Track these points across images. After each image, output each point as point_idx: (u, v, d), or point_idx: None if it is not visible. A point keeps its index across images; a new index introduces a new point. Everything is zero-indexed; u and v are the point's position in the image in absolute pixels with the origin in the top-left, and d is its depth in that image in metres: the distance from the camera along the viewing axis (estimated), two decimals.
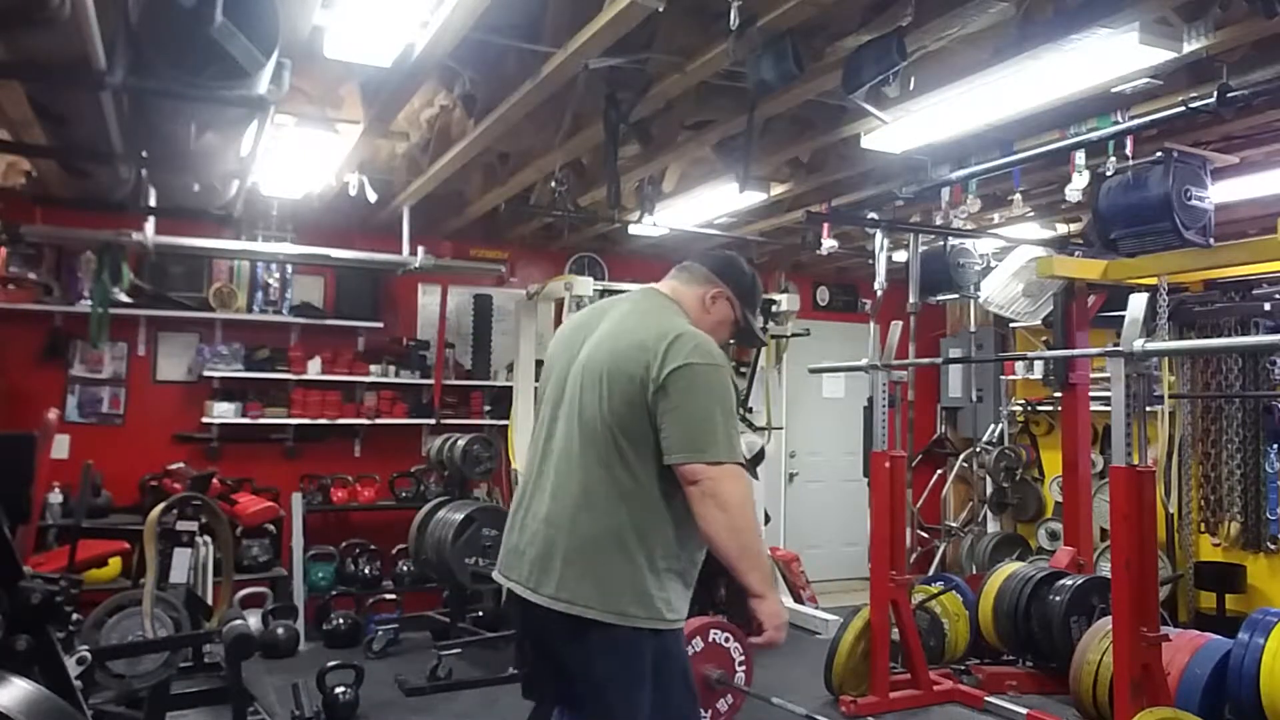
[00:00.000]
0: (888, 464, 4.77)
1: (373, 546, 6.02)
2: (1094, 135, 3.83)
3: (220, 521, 4.02)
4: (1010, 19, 3.05)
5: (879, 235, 5.17)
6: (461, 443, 5.50)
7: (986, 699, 4.58)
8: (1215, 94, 3.22)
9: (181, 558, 3.82)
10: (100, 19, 2.66)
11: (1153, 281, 4.79)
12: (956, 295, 5.50)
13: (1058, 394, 5.91)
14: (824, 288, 8.03)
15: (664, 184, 5.35)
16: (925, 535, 7.58)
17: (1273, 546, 5.78)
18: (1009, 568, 5.09)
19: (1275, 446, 5.79)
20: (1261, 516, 5.80)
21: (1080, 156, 4.01)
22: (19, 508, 2.12)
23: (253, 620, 3.58)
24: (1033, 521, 7.13)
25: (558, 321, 6.54)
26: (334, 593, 5.77)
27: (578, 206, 5.55)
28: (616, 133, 3.96)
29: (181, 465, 5.53)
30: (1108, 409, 3.98)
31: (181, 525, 3.88)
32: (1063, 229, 5.85)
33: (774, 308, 6.51)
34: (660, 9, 2.80)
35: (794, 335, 6.72)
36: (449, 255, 6.38)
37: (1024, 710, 4.37)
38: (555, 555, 2.11)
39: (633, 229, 5.91)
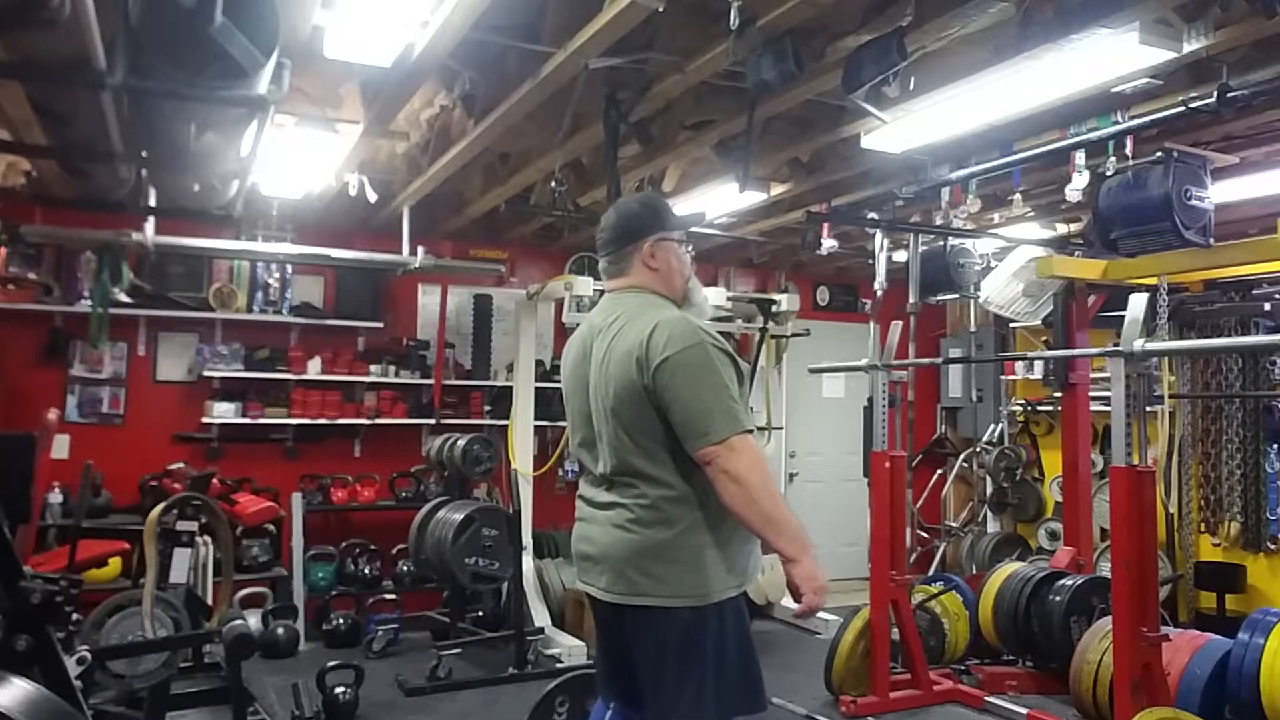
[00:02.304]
0: (888, 464, 4.76)
1: (373, 546, 6.02)
2: (1094, 135, 3.83)
3: (220, 521, 4.02)
4: (1010, 19, 3.05)
5: (879, 235, 5.17)
6: (461, 443, 5.49)
7: (986, 699, 4.58)
8: (1215, 94, 3.22)
9: (181, 558, 3.82)
10: (100, 19, 2.66)
11: (1153, 281, 4.79)
12: (956, 295, 5.50)
13: (1058, 394, 5.91)
14: (824, 288, 8.03)
15: (664, 184, 5.35)
16: (925, 535, 7.58)
17: (1273, 546, 5.78)
18: (1009, 568, 5.09)
19: (1275, 446, 5.79)
20: (1261, 516, 5.80)
21: (1080, 156, 4.00)
22: (19, 508, 2.12)
23: (253, 620, 3.58)
24: (1033, 521, 7.13)
25: (558, 321, 6.55)
26: (334, 593, 5.76)
27: (578, 206, 5.55)
28: (616, 133, 3.96)
29: (181, 465, 5.53)
30: (1108, 409, 3.98)
31: (181, 525, 3.88)
32: (1063, 229, 5.85)
33: (774, 308, 6.51)
34: (660, 9, 2.80)
35: (794, 335, 6.72)
36: (449, 255, 6.38)
37: (1024, 710, 4.37)
38: (614, 556, 2.23)
39: None
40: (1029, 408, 7.22)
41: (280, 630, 5.26)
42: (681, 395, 2.12)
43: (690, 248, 2.50)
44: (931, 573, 6.82)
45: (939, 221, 5.24)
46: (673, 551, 2.16)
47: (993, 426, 7.36)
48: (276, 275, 6.06)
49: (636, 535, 2.19)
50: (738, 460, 2.08)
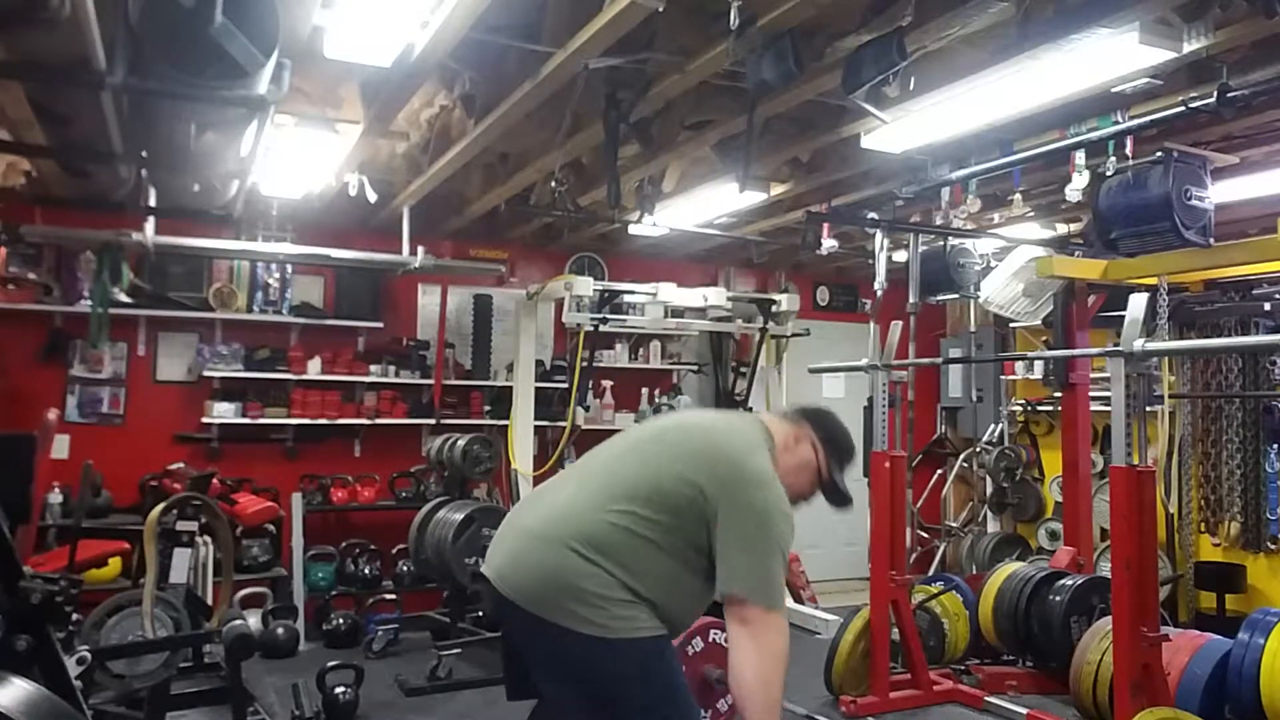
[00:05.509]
0: (888, 464, 4.77)
1: (373, 546, 6.02)
2: (1094, 135, 3.83)
3: (220, 521, 4.02)
4: (1010, 19, 3.05)
5: (879, 235, 5.16)
6: (461, 443, 5.49)
7: (986, 699, 4.58)
8: (1215, 94, 3.22)
9: (181, 558, 3.82)
10: (100, 19, 2.67)
11: (1153, 281, 4.79)
12: (956, 295, 5.49)
13: (1058, 394, 5.91)
14: (824, 288, 8.03)
15: (664, 184, 5.35)
16: (925, 535, 7.58)
17: (1273, 546, 5.78)
18: (1009, 568, 5.09)
19: (1275, 446, 5.79)
20: (1261, 516, 5.81)
21: (1080, 156, 4.01)
22: (19, 508, 2.12)
23: (253, 620, 3.59)
24: (1033, 521, 7.13)
25: (558, 321, 6.56)
26: (334, 593, 5.76)
27: (578, 206, 5.55)
28: (616, 133, 3.96)
29: (181, 465, 5.53)
30: (1108, 409, 3.98)
31: (181, 525, 3.88)
32: (1063, 229, 5.85)
33: (774, 308, 6.51)
34: (660, 9, 2.80)
35: (794, 335, 6.73)
36: (449, 255, 6.38)
37: (1024, 710, 4.37)
38: (538, 577, 2.09)
39: (633, 229, 5.91)
40: (1029, 408, 7.22)
41: (280, 630, 5.27)
42: (756, 542, 2.04)
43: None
44: (931, 573, 6.82)
45: (939, 221, 5.24)
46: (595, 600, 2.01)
47: (993, 426, 7.35)
48: (276, 275, 6.05)
49: (569, 580, 2.01)
50: (775, 639, 2.01)
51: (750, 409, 6.71)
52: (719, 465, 2.11)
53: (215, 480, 5.06)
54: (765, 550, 2.04)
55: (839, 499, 2.37)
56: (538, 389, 6.02)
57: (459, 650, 5.02)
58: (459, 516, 5.08)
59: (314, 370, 6.02)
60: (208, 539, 4.56)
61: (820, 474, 2.34)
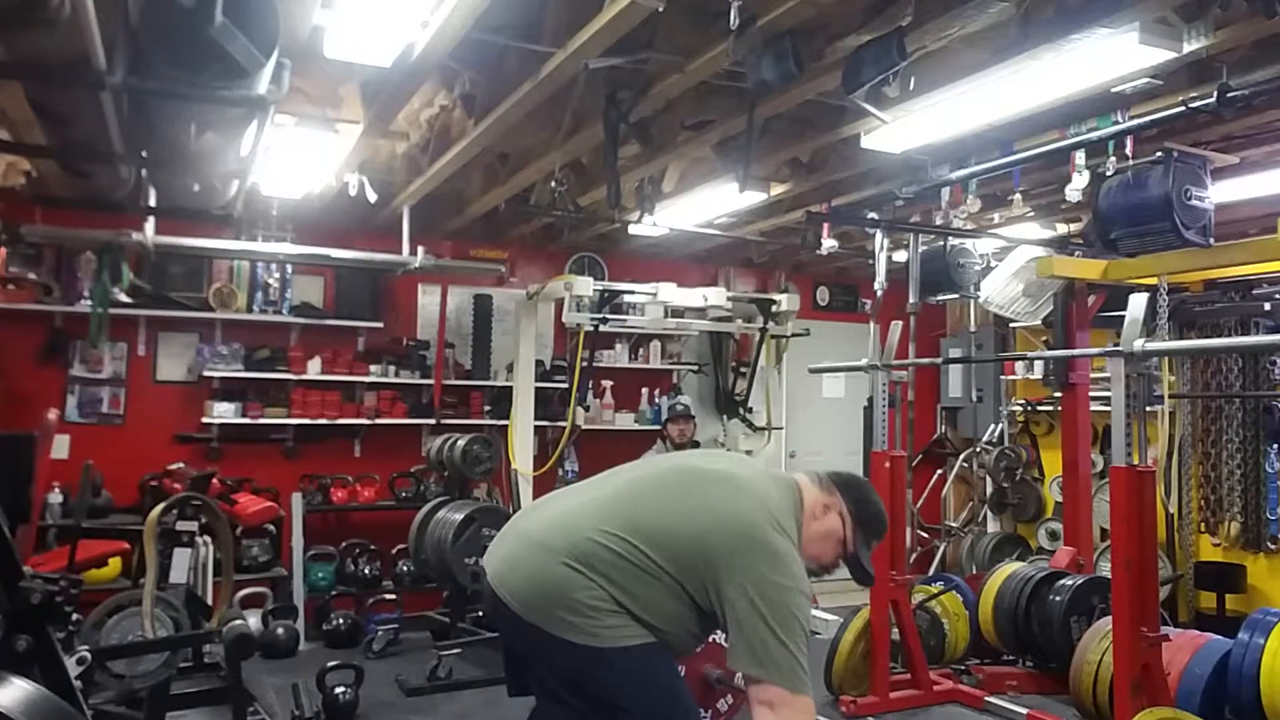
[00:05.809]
0: (888, 464, 4.76)
1: (373, 546, 6.02)
2: (1094, 135, 3.82)
3: (220, 521, 4.02)
4: (1010, 19, 3.05)
5: (879, 235, 5.16)
6: (461, 443, 5.49)
7: (986, 699, 4.58)
8: (1215, 94, 3.21)
9: (181, 558, 3.82)
10: (100, 19, 2.66)
11: (1153, 281, 4.79)
12: (956, 295, 5.49)
13: (1058, 394, 5.91)
14: (824, 288, 8.03)
15: (664, 184, 5.35)
16: (925, 535, 7.58)
17: (1273, 546, 5.78)
18: (1009, 568, 5.09)
19: (1275, 446, 5.80)
20: (1261, 516, 5.81)
21: (1080, 156, 4.00)
22: (19, 508, 2.12)
23: (253, 620, 3.59)
24: (1033, 521, 7.13)
25: (558, 321, 6.55)
26: (334, 593, 5.77)
27: (578, 206, 5.55)
28: (616, 133, 3.96)
29: (181, 465, 5.53)
30: (1108, 409, 3.98)
31: (181, 525, 3.89)
32: (1063, 229, 5.85)
33: (774, 308, 6.51)
34: (660, 9, 2.80)
35: (794, 335, 6.73)
36: (449, 255, 6.38)
37: (1024, 710, 4.37)
38: (533, 585, 2.09)
39: (633, 229, 5.91)
40: (1029, 408, 7.22)
41: (280, 630, 5.27)
42: (768, 616, 1.96)
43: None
44: (931, 573, 6.82)
45: (939, 221, 5.24)
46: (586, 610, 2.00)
47: (993, 426, 7.36)
48: (276, 275, 6.05)
49: (559, 592, 2.01)
50: (799, 717, 1.95)
51: (750, 409, 6.72)
52: (735, 534, 2.04)
53: (215, 480, 5.06)
54: (789, 631, 1.97)
55: (860, 575, 2.32)
56: (538, 389, 6.02)
57: (459, 650, 5.02)
58: (459, 516, 5.08)
59: (314, 370, 6.02)
60: (208, 539, 4.56)
61: (845, 547, 2.28)
